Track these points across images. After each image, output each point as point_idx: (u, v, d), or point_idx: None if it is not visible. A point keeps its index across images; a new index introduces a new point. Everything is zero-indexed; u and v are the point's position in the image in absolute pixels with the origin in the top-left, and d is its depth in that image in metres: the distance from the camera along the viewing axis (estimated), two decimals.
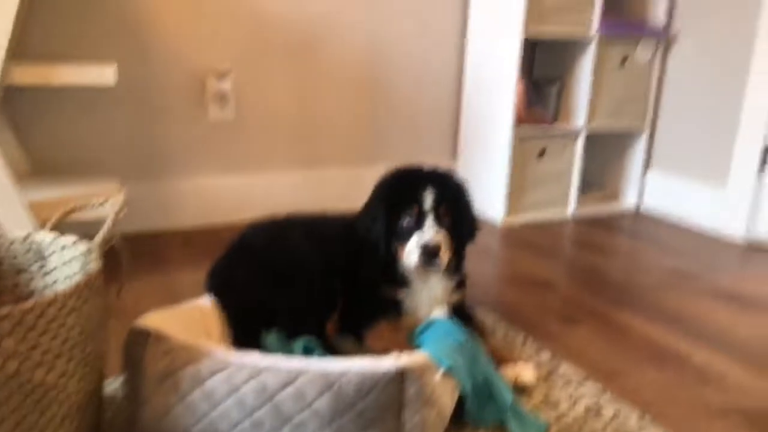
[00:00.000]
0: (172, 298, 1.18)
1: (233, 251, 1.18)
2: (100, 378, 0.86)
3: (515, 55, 1.99)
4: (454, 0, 2.18)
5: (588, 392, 1.13)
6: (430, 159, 2.27)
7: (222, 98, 1.90)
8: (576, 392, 1.13)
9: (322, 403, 0.77)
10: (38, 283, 0.95)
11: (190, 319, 0.98)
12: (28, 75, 1.34)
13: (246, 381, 0.79)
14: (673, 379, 1.21)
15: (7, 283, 0.94)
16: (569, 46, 2.17)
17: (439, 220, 1.15)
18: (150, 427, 0.84)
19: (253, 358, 0.81)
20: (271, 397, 0.78)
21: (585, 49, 2.12)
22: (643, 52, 2.21)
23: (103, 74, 1.40)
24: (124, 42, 1.75)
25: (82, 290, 0.77)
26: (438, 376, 0.84)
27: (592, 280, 1.70)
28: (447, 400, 0.85)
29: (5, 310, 0.69)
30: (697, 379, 1.21)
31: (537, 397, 1.11)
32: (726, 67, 2.06)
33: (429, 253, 1.11)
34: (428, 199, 1.14)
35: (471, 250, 1.26)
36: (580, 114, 2.17)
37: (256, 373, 0.79)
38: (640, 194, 2.37)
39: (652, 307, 1.52)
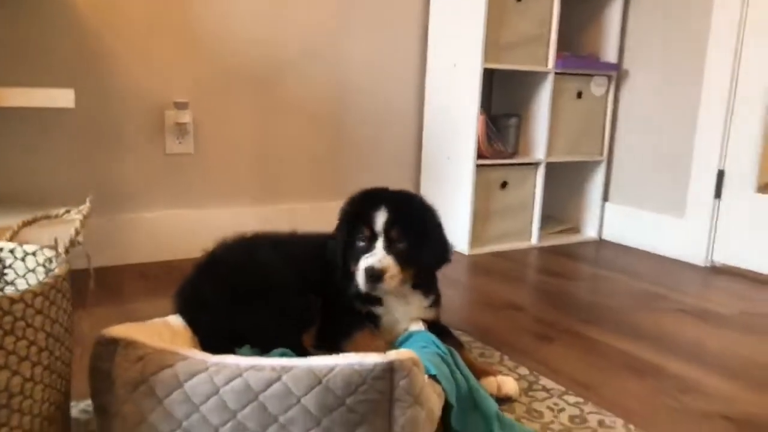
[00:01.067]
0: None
1: (202, 268, 1.13)
2: (67, 391, 0.80)
3: (476, 89, 2.03)
4: (414, 37, 2.23)
5: (570, 403, 1.10)
6: None
7: (181, 130, 1.87)
8: (558, 404, 1.10)
9: (310, 400, 0.72)
10: None
11: (158, 334, 0.92)
12: None
13: (228, 381, 0.73)
14: (652, 388, 1.19)
15: None
16: (526, 81, 2.23)
17: (390, 242, 1.11)
18: None
19: (234, 358, 0.76)
20: (256, 396, 0.73)
21: (542, 84, 2.19)
22: (597, 87, 2.29)
23: (62, 97, 1.36)
24: (80, 71, 1.71)
25: (49, 291, 0.72)
26: (425, 376, 0.81)
27: (562, 302, 1.69)
28: (435, 403, 0.82)
29: None
30: (676, 388, 1.20)
31: (519, 409, 1.07)
32: (677, 99, 2.14)
33: (372, 276, 1.08)
34: (379, 221, 1.11)
35: (439, 277, 1.25)
36: (539, 146, 2.22)
37: (239, 372, 0.74)
38: (601, 225, 2.41)
39: (622, 325, 1.52)
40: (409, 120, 2.29)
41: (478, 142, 2.07)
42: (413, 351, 0.91)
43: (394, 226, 1.11)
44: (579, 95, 2.27)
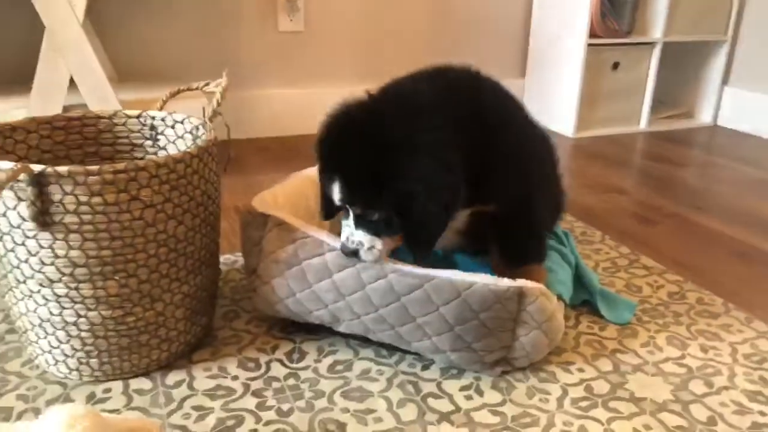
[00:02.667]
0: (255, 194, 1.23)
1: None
2: (217, 240, 0.92)
3: None
4: None
5: (669, 281, 1.14)
6: (498, 74, 2.25)
7: (292, 8, 1.91)
8: (657, 281, 1.14)
9: (448, 310, 0.80)
10: (152, 158, 1.00)
11: (300, 194, 1.02)
12: None
13: (374, 280, 0.82)
14: (759, 274, 1.20)
15: (124, 157, 0.99)
16: None
17: (357, 216, 0.82)
18: (273, 303, 0.89)
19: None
20: (398, 298, 0.82)
21: None
22: None
23: None
24: None
25: (203, 154, 0.82)
26: (552, 300, 0.85)
27: (668, 187, 1.67)
28: (559, 327, 0.87)
29: (142, 162, 0.74)
30: None
31: (618, 284, 1.12)
32: None
33: (348, 255, 0.82)
34: (336, 196, 0.81)
35: None
36: (657, 25, 2.10)
37: (384, 274, 0.82)
38: (717, 110, 2.30)
39: (732, 212, 1.50)
40: None
41: (591, 20, 1.98)
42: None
43: (354, 202, 0.81)
44: None
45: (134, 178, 0.74)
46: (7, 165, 0.71)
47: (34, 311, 0.79)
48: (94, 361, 0.82)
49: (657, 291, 1.10)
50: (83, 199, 0.72)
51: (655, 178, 1.76)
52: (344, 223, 0.84)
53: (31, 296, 0.78)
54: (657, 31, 2.10)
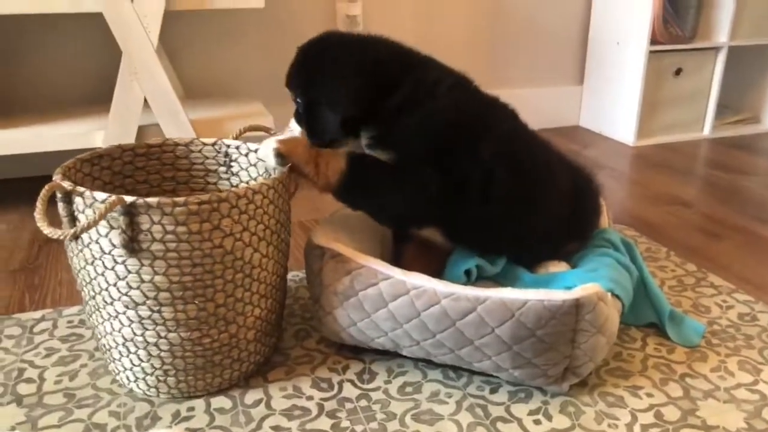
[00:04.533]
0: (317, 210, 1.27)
1: None
2: (286, 266, 0.96)
3: None
4: None
5: (739, 301, 1.12)
6: (554, 81, 2.24)
7: (351, 22, 1.94)
8: (726, 301, 1.12)
9: (503, 331, 0.82)
10: (224, 183, 1.05)
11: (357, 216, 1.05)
12: (186, 1, 1.44)
13: (428, 307, 0.84)
14: None
15: (199, 182, 1.05)
16: None
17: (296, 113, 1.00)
18: (337, 331, 0.93)
19: (432, 283, 0.85)
20: (453, 323, 0.83)
21: None
22: None
23: None
24: None
25: (277, 185, 0.86)
26: (609, 303, 0.86)
27: (734, 198, 1.64)
28: (615, 324, 0.88)
29: (224, 194, 0.78)
30: None
31: (686, 304, 1.11)
32: None
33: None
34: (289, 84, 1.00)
35: (602, 171, 1.23)
36: (722, 29, 2.04)
37: (437, 299, 0.84)
38: None
39: None
40: (575, 4, 2.18)
41: (653, 26, 1.95)
42: (595, 265, 0.98)
43: (294, 89, 0.99)
44: None
45: (216, 209, 0.78)
46: (101, 196, 0.76)
47: (119, 331, 0.84)
48: (171, 380, 0.86)
49: (726, 312, 1.09)
50: (169, 228, 0.77)
51: (721, 188, 1.72)
52: None
53: (116, 317, 0.83)
54: (722, 36, 2.05)
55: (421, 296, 0.85)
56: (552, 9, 2.16)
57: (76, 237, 0.75)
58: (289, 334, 1.03)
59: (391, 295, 0.87)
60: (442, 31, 2.06)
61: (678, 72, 2.06)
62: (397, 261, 1.04)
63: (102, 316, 0.85)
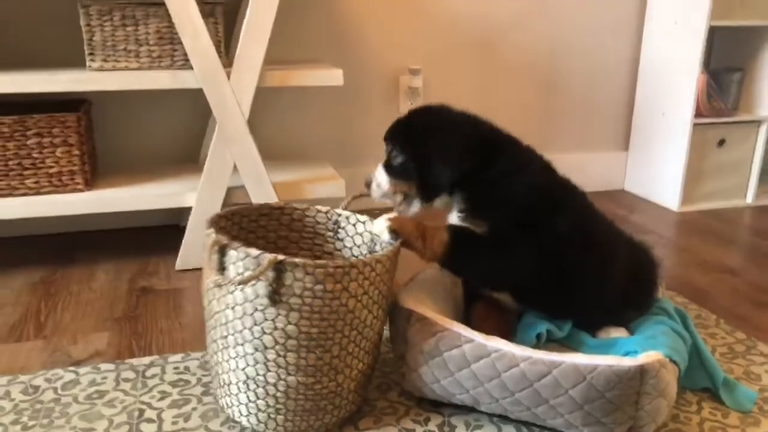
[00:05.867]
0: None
1: None
2: (385, 325, 1.08)
3: (698, 47, 2.02)
4: None
5: None
6: (601, 148, 2.37)
7: (413, 93, 2.10)
8: None
9: (576, 392, 0.92)
10: (329, 247, 1.20)
11: (436, 282, 1.17)
12: (275, 79, 1.61)
13: (508, 369, 0.95)
14: None
15: (307, 242, 1.20)
16: (753, 34, 2.15)
17: (387, 162, 1.15)
18: (420, 387, 1.04)
19: (510, 347, 0.97)
20: (531, 384, 0.94)
21: None
22: None
23: (333, 76, 1.64)
24: (331, 46, 2.00)
25: (394, 256, 1.00)
26: (670, 370, 0.96)
27: None
28: (674, 388, 0.98)
29: (354, 261, 0.92)
30: None
31: (737, 371, 1.20)
32: None
33: (365, 185, 1.17)
34: (385, 133, 1.17)
35: (648, 236, 1.32)
36: (763, 103, 2.16)
37: (516, 362, 0.95)
38: None
39: None
40: (622, 76, 2.33)
41: (697, 100, 2.07)
42: (652, 332, 1.08)
43: (391, 148, 1.15)
44: None
45: (348, 273, 0.91)
46: (255, 252, 0.89)
47: (243, 369, 0.95)
48: (280, 418, 0.97)
49: None
50: (309, 285, 0.90)
51: (764, 255, 1.81)
52: None
53: (243, 357, 0.94)
54: (764, 109, 2.16)
55: (502, 359, 0.96)
56: (601, 81, 2.30)
57: (240, 284, 0.87)
58: (372, 386, 1.14)
59: (474, 356, 0.98)
60: (497, 103, 2.21)
61: (721, 143, 2.17)
62: (468, 320, 1.16)
63: (229, 354, 0.96)
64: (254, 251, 0.89)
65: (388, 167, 1.14)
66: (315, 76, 1.65)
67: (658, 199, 2.23)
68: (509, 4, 2.13)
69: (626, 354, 1.04)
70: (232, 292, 0.92)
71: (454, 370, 1.00)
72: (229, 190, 1.63)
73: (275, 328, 0.91)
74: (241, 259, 0.90)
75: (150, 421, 1.04)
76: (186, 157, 1.95)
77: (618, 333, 1.16)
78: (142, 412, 1.06)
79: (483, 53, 2.15)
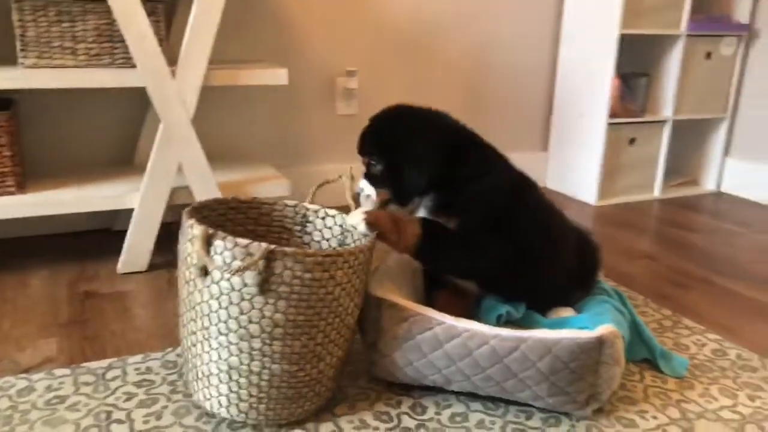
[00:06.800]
0: None
1: None
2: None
3: (611, 54, 2.19)
4: (549, 5, 2.39)
5: (710, 339, 1.34)
6: (523, 148, 2.50)
7: (349, 95, 2.15)
8: (700, 339, 1.34)
9: (543, 365, 1.00)
10: (296, 240, 1.21)
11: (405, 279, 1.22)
12: (220, 78, 1.60)
13: (479, 346, 1.01)
14: None
15: (275, 236, 1.20)
16: (657, 42, 2.36)
17: (367, 172, 1.19)
18: (393, 372, 1.08)
19: (479, 326, 1.03)
20: (501, 360, 1.01)
21: (673, 46, 2.31)
22: (726, 47, 2.38)
23: (278, 76, 1.66)
24: (270, 46, 2.01)
25: (371, 248, 1.03)
26: (622, 341, 1.05)
27: (691, 252, 1.89)
28: (622, 357, 1.07)
29: (341, 250, 0.95)
30: None
31: (668, 342, 1.32)
32: None
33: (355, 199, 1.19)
34: (359, 145, 1.22)
35: None
36: (667, 105, 2.36)
37: (486, 340, 1.01)
38: (720, 178, 2.55)
39: (749, 275, 1.72)
40: (542, 80, 2.47)
41: (612, 101, 2.24)
42: (599, 310, 1.18)
43: (365, 155, 1.20)
44: (708, 56, 2.38)
45: (335, 262, 0.94)
46: (243, 242, 0.89)
47: (225, 359, 0.95)
48: (262, 407, 0.98)
49: (702, 349, 1.30)
50: (298, 273, 0.91)
51: (676, 243, 1.98)
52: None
53: (227, 347, 0.94)
54: (668, 111, 2.37)
55: (473, 337, 1.02)
56: (522, 84, 2.44)
57: (235, 273, 0.88)
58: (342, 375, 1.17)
59: (446, 337, 1.03)
60: (427, 100, 2.27)
61: (632, 141, 2.35)
62: (431, 305, 1.21)
63: (210, 345, 0.96)
64: (243, 240, 0.90)
65: (370, 177, 1.19)
66: (261, 75, 1.66)
67: (577, 195, 2.39)
68: (441, 7, 2.22)
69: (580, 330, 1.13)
70: (217, 282, 0.92)
71: (428, 352, 1.05)
72: (172, 191, 1.60)
73: (263, 317, 0.93)
74: (228, 248, 0.90)
75: (120, 422, 1.02)
76: (120, 158, 1.89)
77: (566, 312, 1.25)
78: (109, 414, 1.04)
79: (415, 56, 2.23)
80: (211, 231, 0.92)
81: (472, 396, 1.10)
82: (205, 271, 0.90)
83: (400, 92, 2.24)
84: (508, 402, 1.09)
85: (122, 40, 1.50)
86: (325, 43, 2.09)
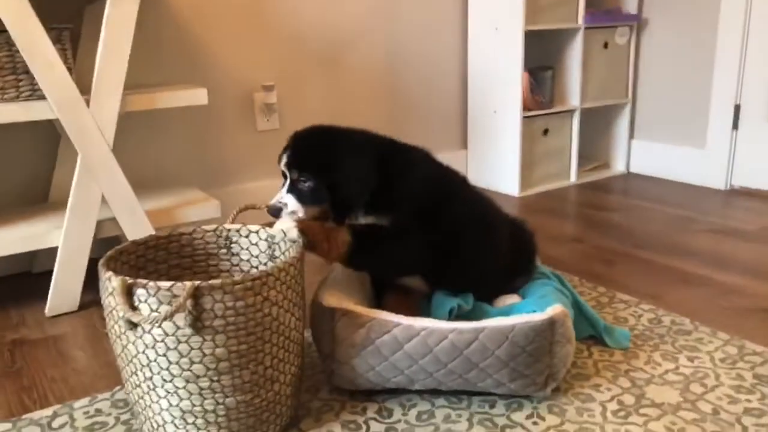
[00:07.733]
0: None
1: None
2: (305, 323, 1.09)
3: (519, 50, 2.28)
4: (454, 6, 2.46)
5: (645, 310, 1.42)
6: (443, 148, 2.56)
7: (269, 110, 2.13)
8: (637, 311, 1.42)
9: (501, 352, 1.02)
10: (225, 264, 1.17)
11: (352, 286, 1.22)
12: (138, 102, 1.55)
13: (438, 342, 1.03)
14: (705, 294, 1.51)
15: (201, 265, 1.16)
16: (558, 36, 2.48)
17: (293, 184, 1.15)
18: (353, 379, 1.08)
19: (435, 323, 1.04)
20: (461, 353, 1.02)
21: (573, 38, 2.44)
22: (620, 37, 2.54)
23: (198, 96, 1.62)
24: (181, 67, 1.96)
25: (302, 259, 1.02)
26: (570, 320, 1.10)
27: (612, 231, 2.00)
28: (573, 335, 1.12)
29: (269, 269, 0.93)
30: (722, 292, 1.52)
31: (608, 318, 1.39)
32: (694, 42, 2.40)
33: (271, 213, 1.15)
34: (283, 159, 1.16)
35: None
36: (573, 95, 2.49)
37: (445, 335, 1.03)
38: (628, 160, 2.71)
39: (666, 246, 1.83)
40: (455, 81, 2.54)
41: (523, 95, 2.33)
42: (542, 292, 1.22)
43: (293, 166, 1.14)
44: (605, 46, 2.52)
45: (265, 282, 0.92)
46: (165, 285, 0.87)
47: (176, 405, 0.93)
48: None
49: (639, 319, 1.38)
50: (230, 303, 0.89)
51: (597, 223, 2.09)
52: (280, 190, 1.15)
53: (175, 392, 0.92)
54: (575, 100, 2.49)
55: (431, 335, 1.04)
56: (436, 86, 2.50)
57: (163, 321, 0.85)
58: (301, 390, 1.15)
59: (405, 337, 1.04)
60: (347, 109, 2.31)
61: (546, 132, 2.46)
62: (381, 308, 1.22)
63: (158, 394, 0.93)
64: (165, 284, 0.87)
65: (297, 193, 1.15)
66: (180, 97, 1.61)
67: (500, 188, 2.47)
68: (347, 17, 2.24)
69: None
70: (149, 331, 0.89)
71: (388, 355, 1.05)
72: (98, 224, 1.53)
73: (204, 355, 0.90)
74: (152, 294, 0.87)
75: None
76: (33, 196, 1.79)
77: (512, 299, 1.29)
78: None
79: (330, 67, 2.24)
80: (130, 281, 0.88)
81: (436, 392, 1.12)
82: (133, 324, 0.87)
83: (320, 104, 2.24)
84: (471, 393, 1.12)
85: (27, 71, 1.42)
86: (240, 60, 2.06)
